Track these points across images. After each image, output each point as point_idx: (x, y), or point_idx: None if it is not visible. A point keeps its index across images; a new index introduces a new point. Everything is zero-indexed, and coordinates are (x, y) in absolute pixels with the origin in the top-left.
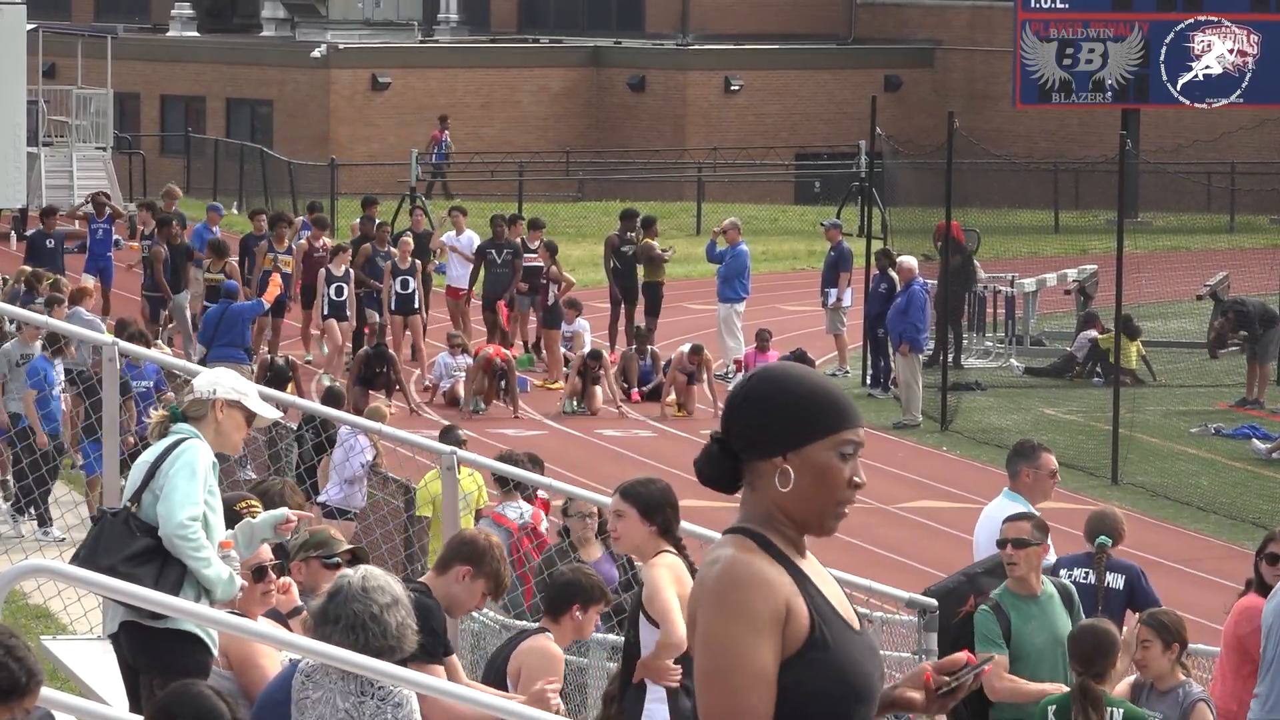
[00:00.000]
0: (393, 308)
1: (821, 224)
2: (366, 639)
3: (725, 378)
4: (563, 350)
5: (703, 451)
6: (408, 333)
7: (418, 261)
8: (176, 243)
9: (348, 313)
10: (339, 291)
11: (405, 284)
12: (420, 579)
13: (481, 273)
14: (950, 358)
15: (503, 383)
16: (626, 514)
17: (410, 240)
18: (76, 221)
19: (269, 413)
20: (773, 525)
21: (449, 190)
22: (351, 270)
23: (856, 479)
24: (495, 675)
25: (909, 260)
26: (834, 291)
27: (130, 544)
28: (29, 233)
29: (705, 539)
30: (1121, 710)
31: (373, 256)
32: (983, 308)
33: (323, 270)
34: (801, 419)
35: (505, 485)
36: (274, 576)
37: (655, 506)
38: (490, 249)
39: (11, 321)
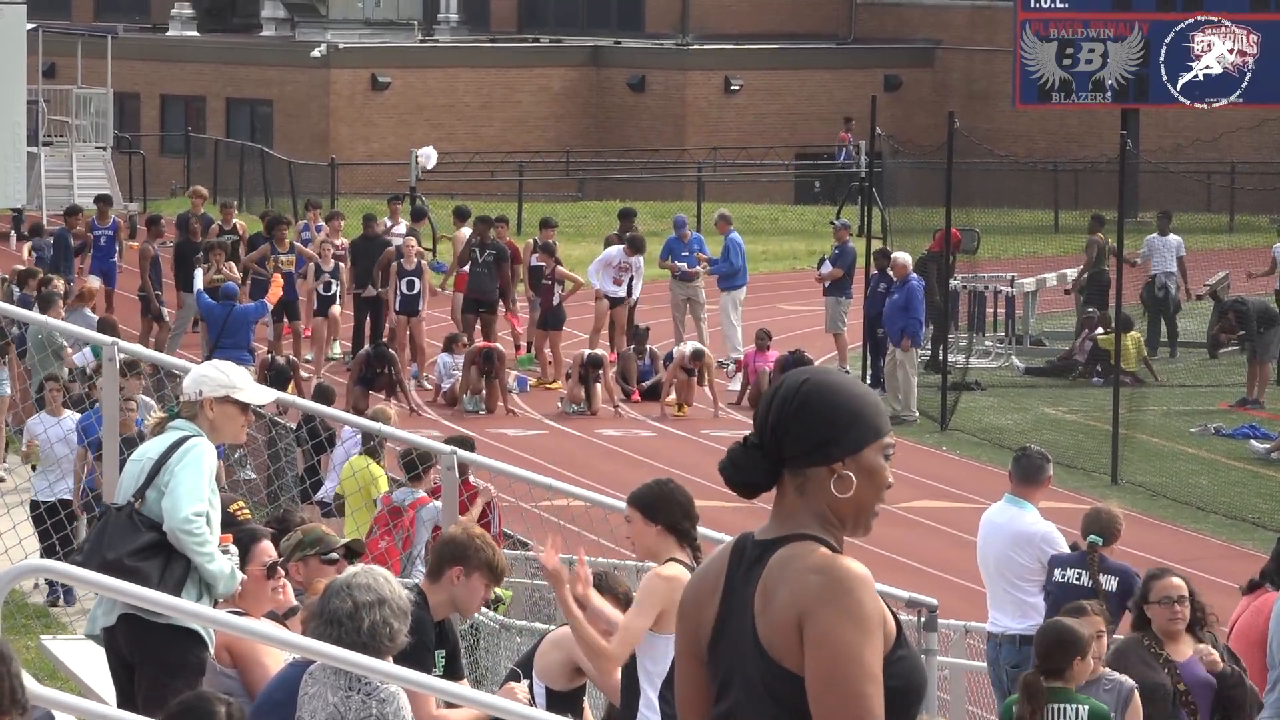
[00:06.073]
0: (397, 308)
1: (831, 222)
2: (340, 635)
3: (724, 365)
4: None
5: (734, 456)
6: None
7: (423, 262)
8: (196, 241)
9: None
10: (327, 287)
11: (411, 284)
12: (416, 585)
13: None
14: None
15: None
16: (633, 518)
17: (414, 241)
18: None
19: (261, 398)
20: (827, 530)
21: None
22: (344, 266)
23: (890, 480)
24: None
25: (903, 256)
26: (828, 262)
27: (135, 539)
28: (54, 229)
29: (715, 541)
30: (1087, 708)
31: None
32: (983, 308)
33: (311, 265)
34: (857, 424)
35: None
36: (281, 573)
37: (658, 506)
38: (474, 249)
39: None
